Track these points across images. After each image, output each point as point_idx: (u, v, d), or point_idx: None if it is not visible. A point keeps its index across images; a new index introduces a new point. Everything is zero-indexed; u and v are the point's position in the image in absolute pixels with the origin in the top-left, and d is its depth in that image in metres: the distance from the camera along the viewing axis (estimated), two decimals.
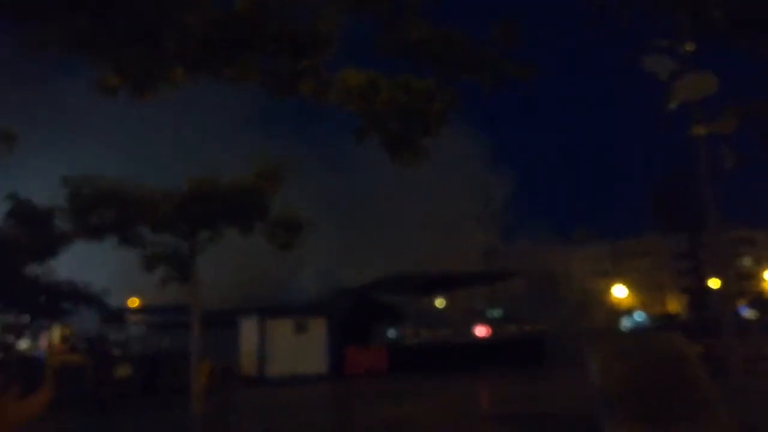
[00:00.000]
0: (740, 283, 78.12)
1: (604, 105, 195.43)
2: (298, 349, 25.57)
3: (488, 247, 55.71)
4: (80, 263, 17.11)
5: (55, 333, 20.52)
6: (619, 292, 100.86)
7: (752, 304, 66.86)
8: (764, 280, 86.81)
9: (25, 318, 18.05)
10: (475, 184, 76.79)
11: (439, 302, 70.95)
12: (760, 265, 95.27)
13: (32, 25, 5.25)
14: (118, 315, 20.11)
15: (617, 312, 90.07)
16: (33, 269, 14.76)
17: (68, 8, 5.10)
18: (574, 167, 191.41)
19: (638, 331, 59.80)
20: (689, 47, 7.09)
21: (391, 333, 54.04)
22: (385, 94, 5.92)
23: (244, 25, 5.57)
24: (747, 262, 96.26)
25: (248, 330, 26.65)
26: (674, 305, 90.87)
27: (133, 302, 43.62)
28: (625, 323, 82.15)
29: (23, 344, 27.52)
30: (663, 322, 60.60)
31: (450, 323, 62.73)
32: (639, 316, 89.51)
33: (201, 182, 10.94)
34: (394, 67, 6.21)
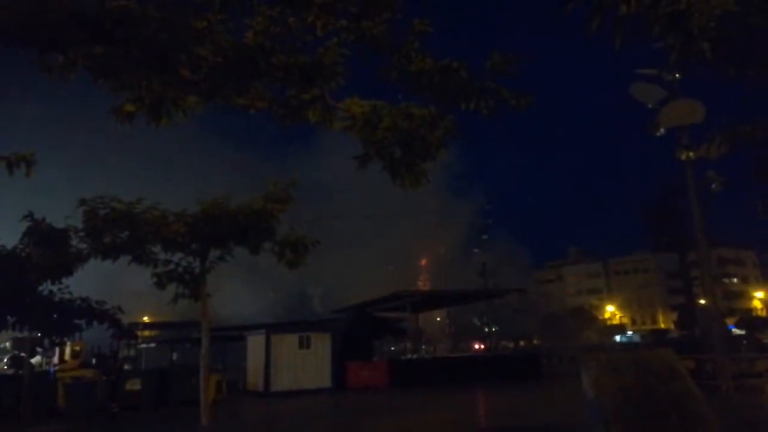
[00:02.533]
0: (729, 301, 78.26)
1: (596, 126, 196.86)
2: (303, 364, 25.87)
3: (483, 265, 55.78)
4: (94, 281, 17.42)
5: (67, 349, 20.77)
6: (611, 309, 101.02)
7: (741, 323, 66.56)
8: (753, 299, 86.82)
9: (37, 334, 18.28)
10: (467, 204, 77.47)
11: (438, 318, 71.14)
12: (748, 284, 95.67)
13: (54, 53, 5.57)
14: (129, 331, 20.39)
15: (610, 328, 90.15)
16: (47, 287, 15.03)
17: (88, 38, 5.39)
18: (566, 187, 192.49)
19: (630, 347, 59.66)
20: (676, 76, 7.33)
21: (392, 348, 54.12)
22: (387, 122, 6.17)
23: (254, 55, 5.82)
24: (736, 281, 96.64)
25: (255, 345, 26.93)
26: (665, 322, 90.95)
27: (144, 318, 43.97)
28: (618, 339, 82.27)
29: (35, 360, 27.75)
30: (654, 339, 60.50)
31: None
32: (630, 333, 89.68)
33: (212, 204, 11.26)
34: (396, 95, 6.50)
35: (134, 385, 20.47)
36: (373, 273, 65.19)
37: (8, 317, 15.68)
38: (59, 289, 15.35)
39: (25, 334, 17.74)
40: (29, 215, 11.65)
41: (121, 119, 6.16)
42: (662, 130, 9.19)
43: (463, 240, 76.77)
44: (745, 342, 38.71)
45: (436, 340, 73.02)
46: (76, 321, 16.37)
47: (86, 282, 16.53)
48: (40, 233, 11.62)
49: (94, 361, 23.71)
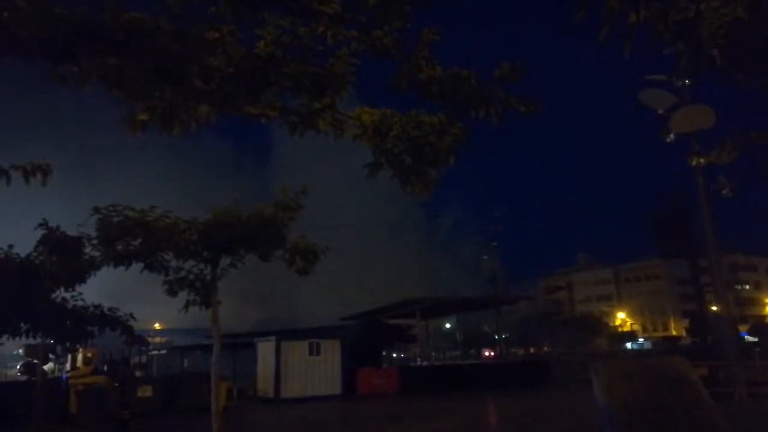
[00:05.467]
0: (741, 308, 77.62)
1: (606, 132, 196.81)
2: (313, 371, 25.90)
3: (493, 272, 55.53)
4: (107, 288, 17.54)
5: (79, 355, 20.92)
6: (622, 315, 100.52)
7: (753, 330, 65.95)
8: (766, 305, 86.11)
9: (50, 341, 18.43)
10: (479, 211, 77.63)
11: (448, 325, 71.01)
12: (760, 290, 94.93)
13: (68, 65, 5.65)
14: (141, 338, 20.57)
15: (620, 335, 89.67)
16: (61, 294, 15.15)
17: (102, 50, 5.47)
18: (576, 194, 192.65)
19: (641, 354, 59.25)
20: (686, 82, 7.32)
21: (402, 355, 54.04)
22: (397, 130, 6.21)
23: (265, 65, 5.88)
24: (747, 287, 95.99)
25: (265, 352, 27.00)
26: (677, 329, 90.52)
27: (156, 326, 44.20)
28: (629, 346, 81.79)
29: (48, 366, 27.91)
30: (666, 346, 60.08)
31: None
32: (642, 340, 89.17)
33: (223, 211, 11.33)
34: (405, 102, 6.54)
35: (145, 391, 20.59)
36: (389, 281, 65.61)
37: (21, 324, 15.76)
38: (72, 297, 15.45)
39: (38, 341, 17.88)
40: (44, 223, 11.78)
41: (134, 129, 6.22)
42: (672, 136, 9.21)
43: (473, 247, 76.95)
44: (758, 349, 38.45)
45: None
46: (89, 328, 16.45)
47: (106, 289, 16.68)
48: (54, 241, 11.72)
49: (105, 367, 23.84)
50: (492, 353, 67.79)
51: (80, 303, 15.84)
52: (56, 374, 27.70)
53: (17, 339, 16.73)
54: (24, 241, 13.54)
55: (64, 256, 11.87)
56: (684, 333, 75.91)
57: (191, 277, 11.74)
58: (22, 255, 14.63)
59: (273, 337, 26.92)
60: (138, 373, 27.12)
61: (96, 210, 11.11)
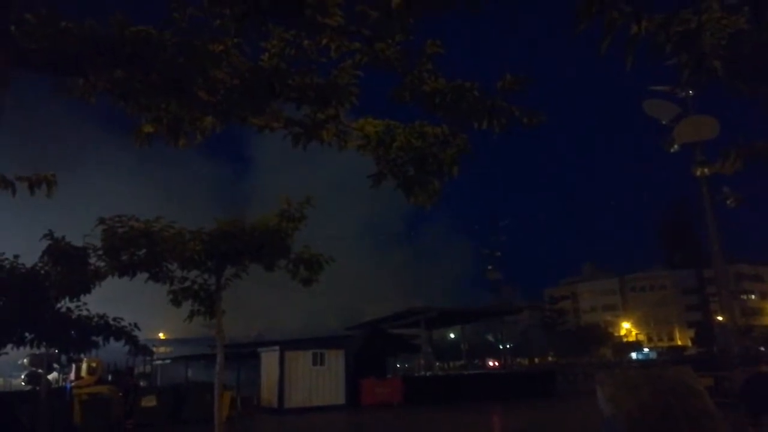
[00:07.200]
0: (747, 318, 77.14)
1: (611, 142, 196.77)
2: (316, 381, 25.86)
3: (498, 282, 55.41)
4: (112, 298, 17.55)
5: (83, 365, 20.94)
6: (627, 325, 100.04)
7: (760, 340, 65.38)
8: None
9: (54, 351, 18.45)
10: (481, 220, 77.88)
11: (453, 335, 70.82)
12: (766, 300, 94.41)
13: (73, 77, 5.70)
14: (145, 347, 20.62)
15: (625, 345, 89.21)
16: (66, 304, 15.20)
17: (108, 63, 5.51)
18: (581, 204, 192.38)
19: (647, 364, 58.92)
20: (690, 93, 7.32)
21: (406, 365, 53.80)
22: (400, 141, 6.24)
23: (270, 77, 5.91)
24: (753, 297, 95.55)
25: (269, 362, 26.97)
26: (683, 339, 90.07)
27: (160, 335, 44.15)
28: (634, 357, 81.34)
29: (52, 376, 27.91)
30: (672, 356, 59.64)
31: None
32: (647, 350, 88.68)
33: (228, 222, 11.37)
34: (409, 114, 6.57)
35: (149, 401, 20.56)
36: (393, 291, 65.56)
37: (26, 334, 15.83)
38: (77, 306, 15.50)
39: (43, 350, 17.90)
40: (49, 234, 11.83)
41: (140, 140, 6.26)
42: (677, 146, 9.24)
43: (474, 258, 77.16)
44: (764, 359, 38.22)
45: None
46: (93, 338, 16.50)
47: (110, 299, 16.68)
48: (59, 252, 11.76)
49: (110, 377, 23.84)
50: (496, 363, 67.53)
51: (85, 313, 15.92)
52: (60, 384, 27.72)
53: (22, 348, 16.84)
54: (30, 252, 13.64)
55: (69, 267, 11.90)
56: (690, 343, 75.48)
57: (195, 287, 11.77)
58: (28, 265, 14.79)
59: (277, 347, 26.90)
60: (142, 383, 27.08)
61: (101, 221, 11.14)
